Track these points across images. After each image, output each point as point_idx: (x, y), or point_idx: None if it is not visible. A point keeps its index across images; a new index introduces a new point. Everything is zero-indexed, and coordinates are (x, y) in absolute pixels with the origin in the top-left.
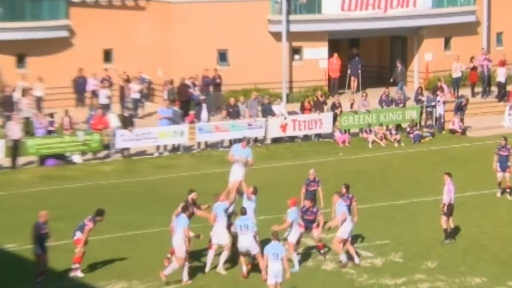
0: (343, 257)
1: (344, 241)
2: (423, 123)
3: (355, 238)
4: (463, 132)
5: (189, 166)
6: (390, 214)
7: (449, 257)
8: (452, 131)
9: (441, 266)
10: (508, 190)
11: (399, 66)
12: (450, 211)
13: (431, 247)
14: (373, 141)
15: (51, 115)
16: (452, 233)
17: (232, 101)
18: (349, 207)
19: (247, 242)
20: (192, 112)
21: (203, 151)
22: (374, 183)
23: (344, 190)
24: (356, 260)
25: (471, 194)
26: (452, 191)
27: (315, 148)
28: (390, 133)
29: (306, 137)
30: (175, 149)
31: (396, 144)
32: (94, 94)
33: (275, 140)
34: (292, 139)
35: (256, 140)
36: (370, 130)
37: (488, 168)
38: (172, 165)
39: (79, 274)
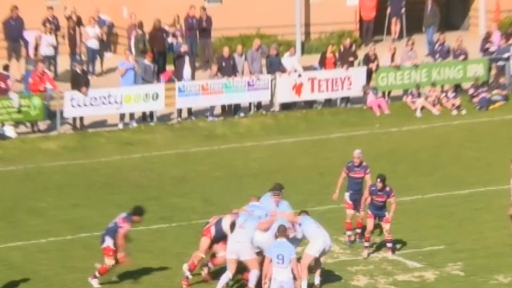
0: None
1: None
2: (492, 82)
3: (396, 243)
4: None
5: (166, 142)
6: (446, 209)
7: None
8: None
9: None
10: None
11: (429, 4)
12: None
13: (502, 255)
14: (423, 108)
15: None
16: None
17: (225, 51)
18: (383, 205)
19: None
20: (169, 68)
21: (185, 121)
22: (423, 166)
23: (379, 185)
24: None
25: None
26: None
27: (341, 117)
28: (447, 97)
29: (328, 102)
30: (146, 118)
31: (454, 112)
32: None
33: (286, 106)
34: (309, 104)
35: (259, 106)
36: (419, 93)
37: None
38: (142, 141)
39: (95, 284)
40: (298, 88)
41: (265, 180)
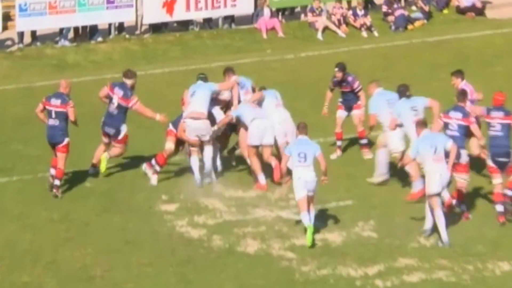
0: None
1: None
2: None
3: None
4: (481, 10)
5: (4, 74)
6: (356, 155)
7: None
8: (461, 10)
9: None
10: None
11: None
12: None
13: (422, 210)
14: (325, 28)
15: None
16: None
17: None
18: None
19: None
20: None
21: (29, 48)
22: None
23: (339, 75)
24: None
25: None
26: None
27: (225, 41)
28: (355, 15)
29: (208, 23)
30: None
31: (364, 33)
32: None
33: (155, 28)
34: (184, 26)
35: (121, 28)
36: (321, 9)
37: None
38: None
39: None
40: (169, 6)
41: (130, 119)
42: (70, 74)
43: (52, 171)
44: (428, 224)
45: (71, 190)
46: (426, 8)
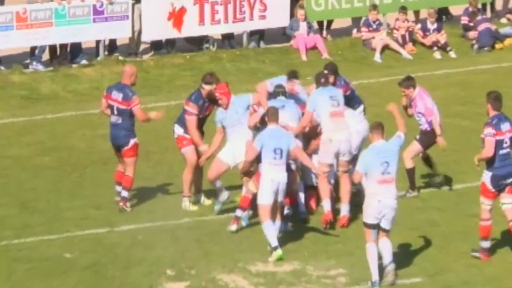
0: None
1: None
2: (501, 6)
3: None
4: None
5: None
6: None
7: None
8: None
9: None
10: None
11: None
12: None
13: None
14: (385, 47)
15: None
16: None
17: None
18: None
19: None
20: None
21: None
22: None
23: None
24: None
25: None
26: None
27: (251, 64)
28: (424, 30)
29: (228, 40)
30: None
31: (437, 54)
32: None
33: (159, 48)
34: (196, 44)
35: (112, 48)
36: (379, 23)
37: None
38: None
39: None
40: (177, 18)
41: None
42: (44, 108)
43: (118, 188)
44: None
45: (44, 263)
46: None
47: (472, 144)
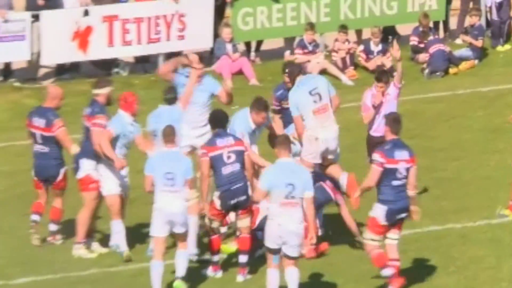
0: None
1: None
2: (455, 25)
3: None
4: None
5: None
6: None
7: None
8: None
9: None
10: None
11: None
12: None
13: None
14: (323, 72)
15: None
16: None
17: None
18: None
19: None
20: None
21: None
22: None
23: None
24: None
25: None
26: None
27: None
28: (367, 52)
29: (142, 64)
30: None
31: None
32: None
33: (62, 72)
34: (105, 68)
35: (7, 73)
36: (316, 44)
37: None
38: None
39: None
40: (82, 38)
41: None
42: None
43: (35, 217)
44: None
45: None
46: (478, 43)
47: (423, 184)
